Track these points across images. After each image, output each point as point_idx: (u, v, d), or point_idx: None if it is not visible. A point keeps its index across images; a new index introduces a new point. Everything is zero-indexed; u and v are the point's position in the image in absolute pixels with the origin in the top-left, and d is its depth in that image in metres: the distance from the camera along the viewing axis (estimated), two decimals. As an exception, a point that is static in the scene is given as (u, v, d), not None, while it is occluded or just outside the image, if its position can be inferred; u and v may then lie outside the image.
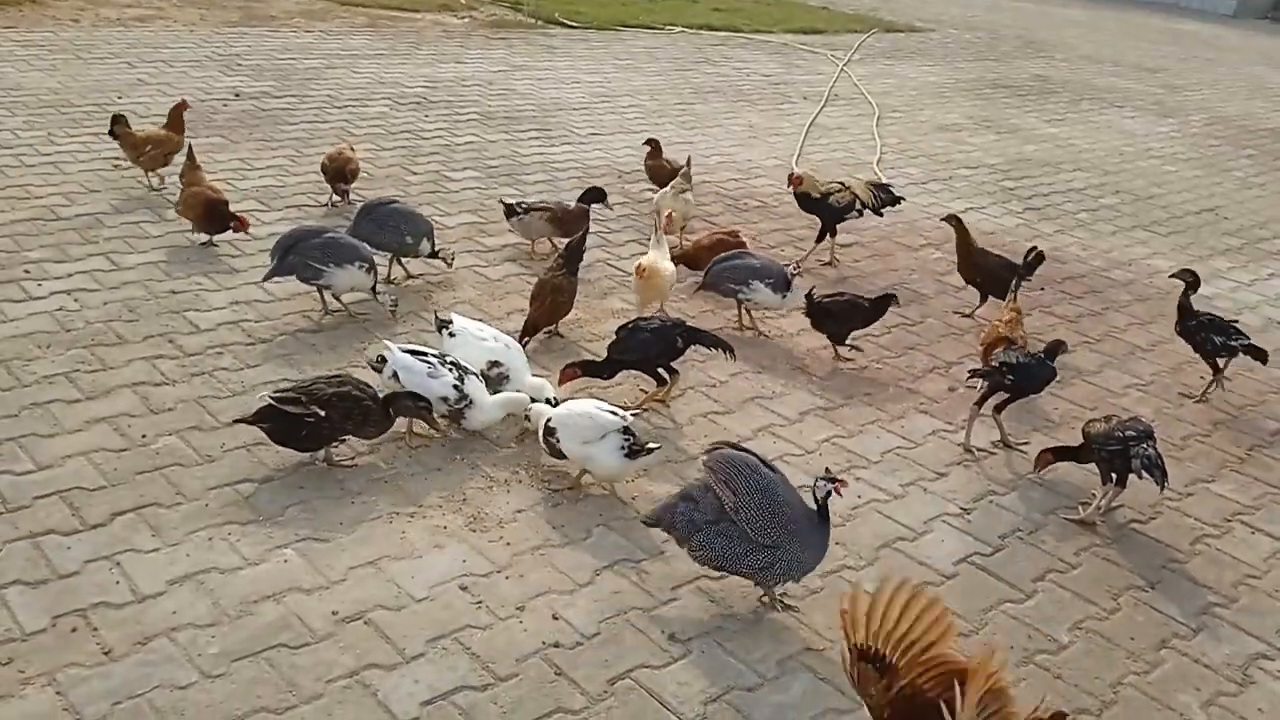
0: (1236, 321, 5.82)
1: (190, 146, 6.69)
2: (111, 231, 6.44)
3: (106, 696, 3.21)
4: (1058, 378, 5.22)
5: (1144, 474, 4.35)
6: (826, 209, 6.87)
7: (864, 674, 2.84)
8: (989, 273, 6.29)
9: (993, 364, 4.98)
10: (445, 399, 4.55)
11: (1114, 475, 4.51)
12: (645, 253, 6.00)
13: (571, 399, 4.63)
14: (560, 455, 4.38)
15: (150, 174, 7.16)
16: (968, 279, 6.43)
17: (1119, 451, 4.44)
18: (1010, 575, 4.19)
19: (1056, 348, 5.08)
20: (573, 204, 6.65)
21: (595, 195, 6.69)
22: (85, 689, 3.23)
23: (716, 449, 3.85)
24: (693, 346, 5.17)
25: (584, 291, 5.93)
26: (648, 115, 10.34)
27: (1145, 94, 14.06)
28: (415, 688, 3.36)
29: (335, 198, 7.14)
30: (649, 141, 7.93)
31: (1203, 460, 5.20)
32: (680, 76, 12.23)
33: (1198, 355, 5.80)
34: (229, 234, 6.30)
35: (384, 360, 4.65)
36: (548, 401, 4.68)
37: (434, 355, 4.65)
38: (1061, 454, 4.68)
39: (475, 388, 4.62)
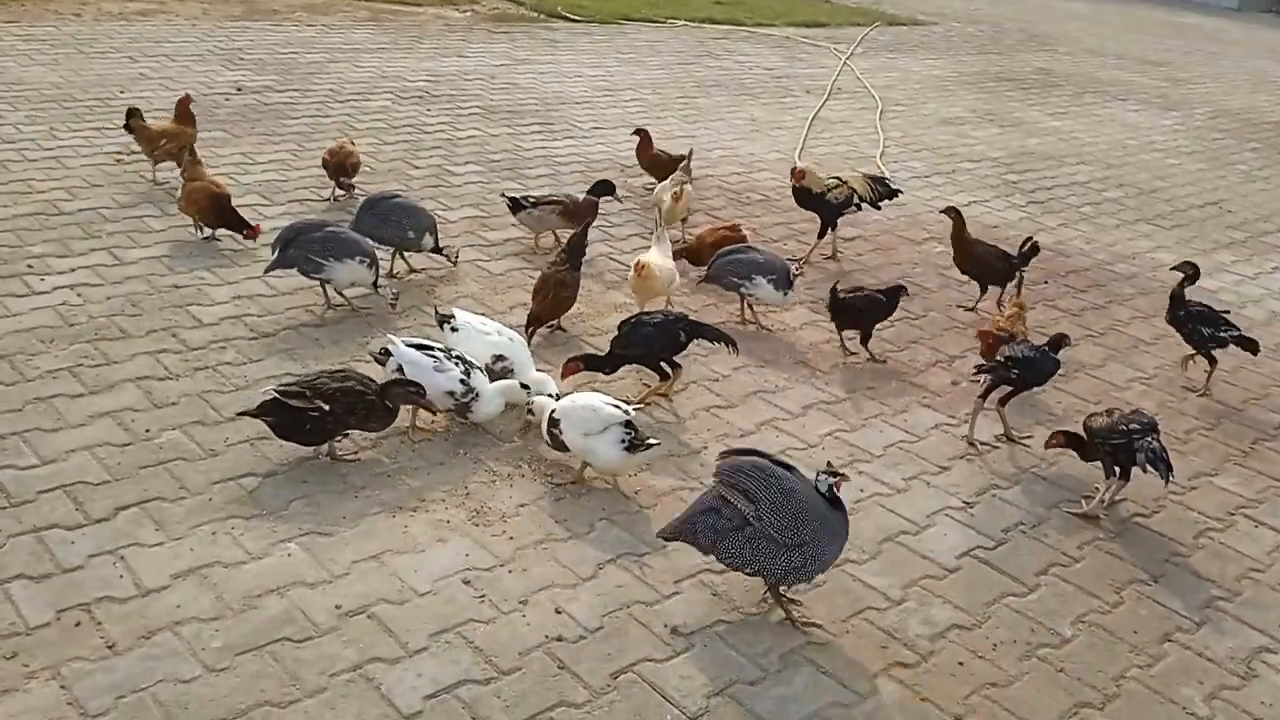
0: (1227, 313, 5.82)
1: (189, 143, 6.68)
2: (114, 226, 6.45)
3: (110, 690, 3.22)
4: (1061, 370, 5.21)
5: (1148, 468, 4.35)
6: (825, 205, 6.86)
7: None
8: (982, 263, 6.34)
9: (997, 359, 4.98)
10: (452, 393, 4.55)
11: (1117, 469, 4.51)
12: (648, 247, 6.00)
13: (574, 392, 4.63)
14: (563, 447, 4.38)
15: (157, 168, 7.16)
16: (963, 270, 6.47)
17: (1122, 445, 4.44)
18: (1013, 569, 4.19)
19: (1060, 340, 5.08)
20: (582, 196, 6.65)
21: (604, 188, 6.69)
22: (89, 683, 3.24)
23: (723, 459, 3.79)
24: (695, 340, 5.17)
25: (587, 286, 5.93)
26: (650, 109, 10.32)
27: (1149, 87, 14.02)
28: (418, 681, 3.36)
29: (339, 192, 7.14)
30: (638, 132, 7.93)
31: (1206, 454, 5.20)
32: (683, 70, 12.21)
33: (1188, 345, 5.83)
34: (225, 229, 6.29)
35: (387, 353, 4.65)
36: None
37: (439, 349, 4.65)
38: (1072, 441, 4.66)
39: (480, 381, 4.62)
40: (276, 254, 5.56)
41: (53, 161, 7.37)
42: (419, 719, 3.24)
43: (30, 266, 5.82)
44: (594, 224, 6.70)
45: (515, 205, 6.59)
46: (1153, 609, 4.06)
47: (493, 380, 4.71)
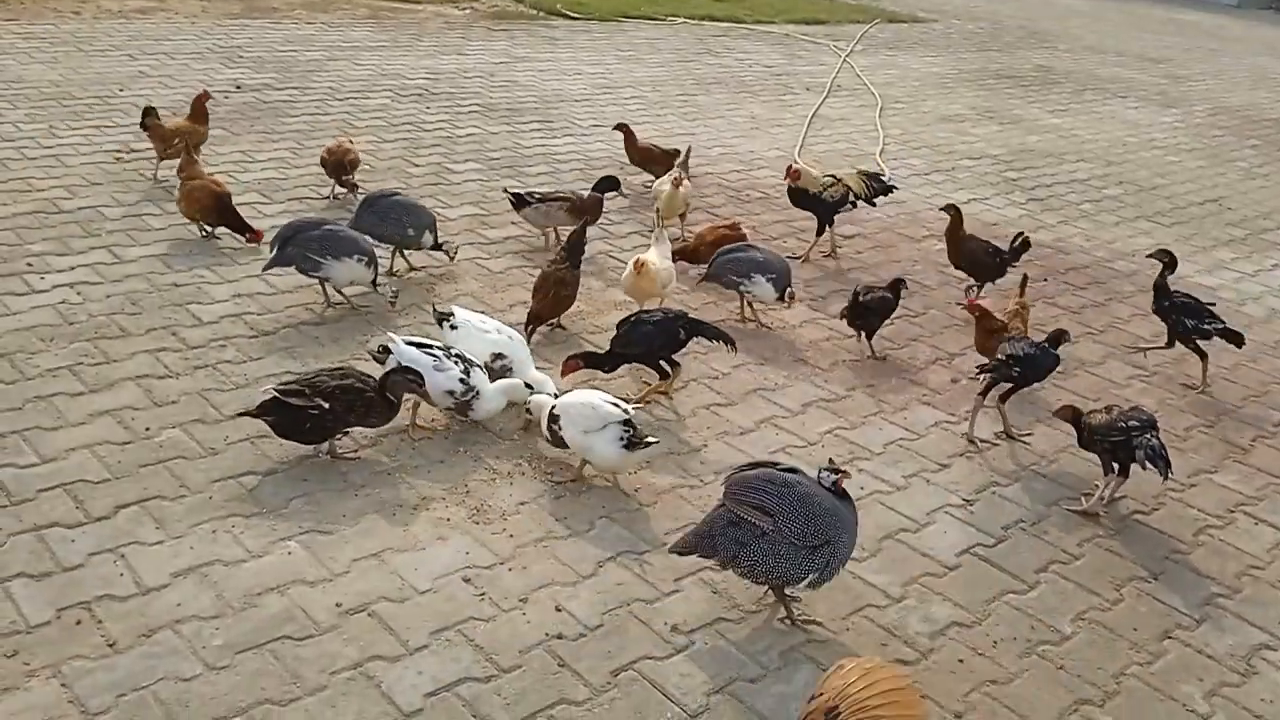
0: (1213, 305, 5.85)
1: (187, 141, 6.67)
2: (113, 224, 6.44)
3: (111, 689, 3.22)
4: (1060, 367, 5.22)
5: (1148, 465, 4.35)
6: (820, 204, 6.87)
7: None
8: (973, 257, 6.40)
9: (998, 357, 4.98)
10: (452, 392, 4.55)
11: (1116, 465, 4.51)
12: (647, 246, 6.00)
13: (574, 390, 4.63)
14: (562, 444, 4.38)
15: (160, 165, 7.15)
16: (955, 264, 6.53)
17: (1121, 442, 4.44)
18: (1013, 566, 4.19)
19: (1059, 336, 5.09)
20: (587, 192, 6.65)
21: (609, 184, 6.70)
22: (90, 681, 3.24)
23: (731, 477, 3.75)
24: (695, 339, 5.17)
25: (586, 284, 5.93)
26: (650, 107, 10.32)
27: (1149, 84, 14.02)
28: (419, 679, 3.37)
29: (339, 190, 7.13)
30: (619, 127, 7.93)
31: (1206, 451, 5.20)
32: (682, 68, 12.21)
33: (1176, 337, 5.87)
34: (225, 228, 6.28)
35: (387, 351, 4.65)
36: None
37: (439, 348, 4.64)
38: (1076, 420, 4.65)
39: (480, 379, 4.62)
40: (275, 252, 5.56)
41: (52, 159, 7.36)
42: (419, 717, 3.24)
43: (30, 265, 5.82)
44: (595, 222, 6.72)
45: (519, 201, 6.58)
46: (1153, 606, 4.06)
47: (492, 379, 4.71)
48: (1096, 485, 4.66)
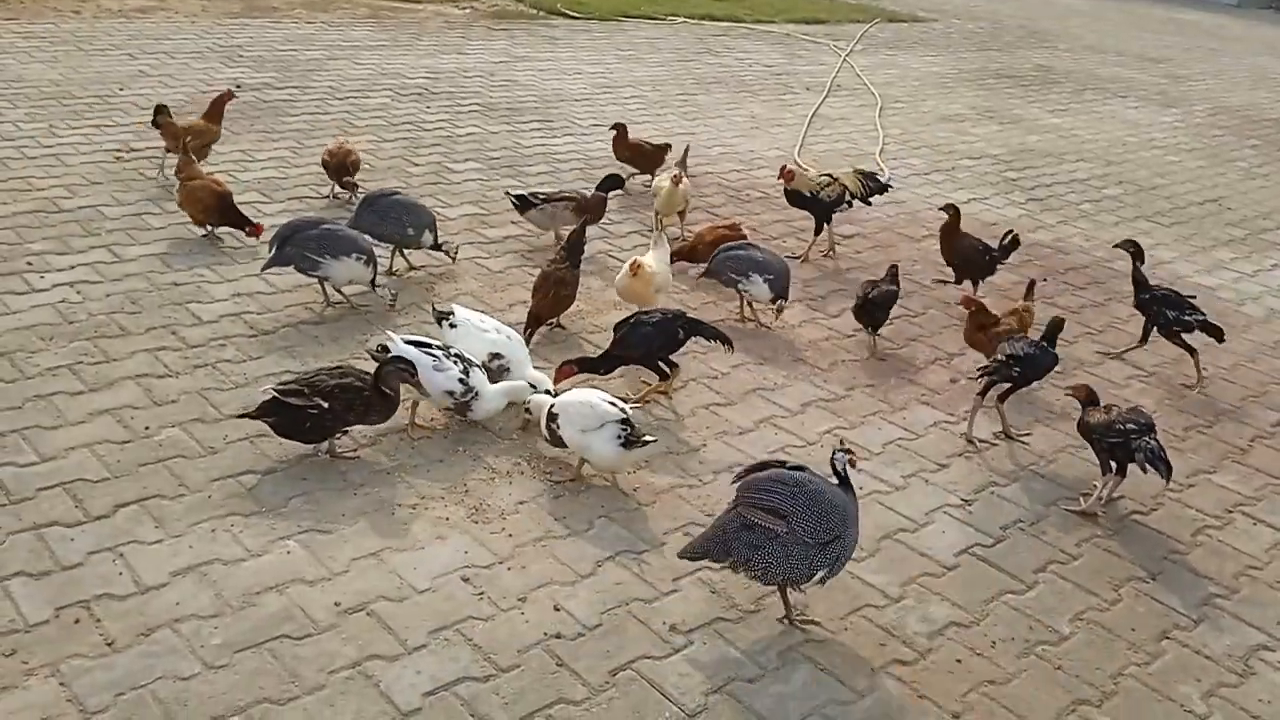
0: (1193, 298, 5.88)
1: (185, 140, 6.67)
2: (113, 223, 6.45)
3: (109, 687, 3.22)
4: (1059, 367, 5.22)
5: (1148, 467, 4.36)
6: (816, 204, 6.88)
7: None
8: (964, 254, 6.45)
9: (998, 357, 4.98)
10: (451, 393, 4.55)
11: (1114, 465, 4.52)
12: (647, 246, 5.99)
13: (572, 389, 4.63)
14: (560, 443, 4.39)
15: (166, 162, 7.16)
16: (947, 260, 6.58)
17: (1119, 444, 4.45)
18: (1011, 566, 4.19)
19: (1057, 327, 5.10)
20: (590, 192, 6.65)
21: (614, 183, 6.71)
22: (88, 680, 3.25)
23: (740, 480, 3.74)
24: (693, 338, 5.17)
25: (586, 283, 5.93)
26: (650, 106, 10.32)
27: (1148, 84, 14.01)
28: (417, 679, 3.37)
29: (339, 190, 7.13)
30: (615, 126, 7.93)
31: (1204, 451, 5.20)
32: (682, 67, 12.20)
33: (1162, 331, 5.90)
34: (228, 226, 6.29)
35: (385, 350, 4.65)
36: (547, 392, 4.69)
37: (438, 348, 4.64)
38: (1089, 401, 4.66)
39: (480, 379, 4.62)
40: (273, 251, 5.57)
41: (52, 159, 7.37)
42: (418, 716, 3.24)
43: (30, 264, 5.82)
44: (599, 221, 6.73)
45: (524, 203, 6.56)
46: (1151, 606, 4.06)
47: (488, 377, 4.71)
48: (1095, 485, 4.66)
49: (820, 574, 3.59)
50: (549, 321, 5.61)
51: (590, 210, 6.45)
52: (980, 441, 5.04)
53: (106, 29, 11.10)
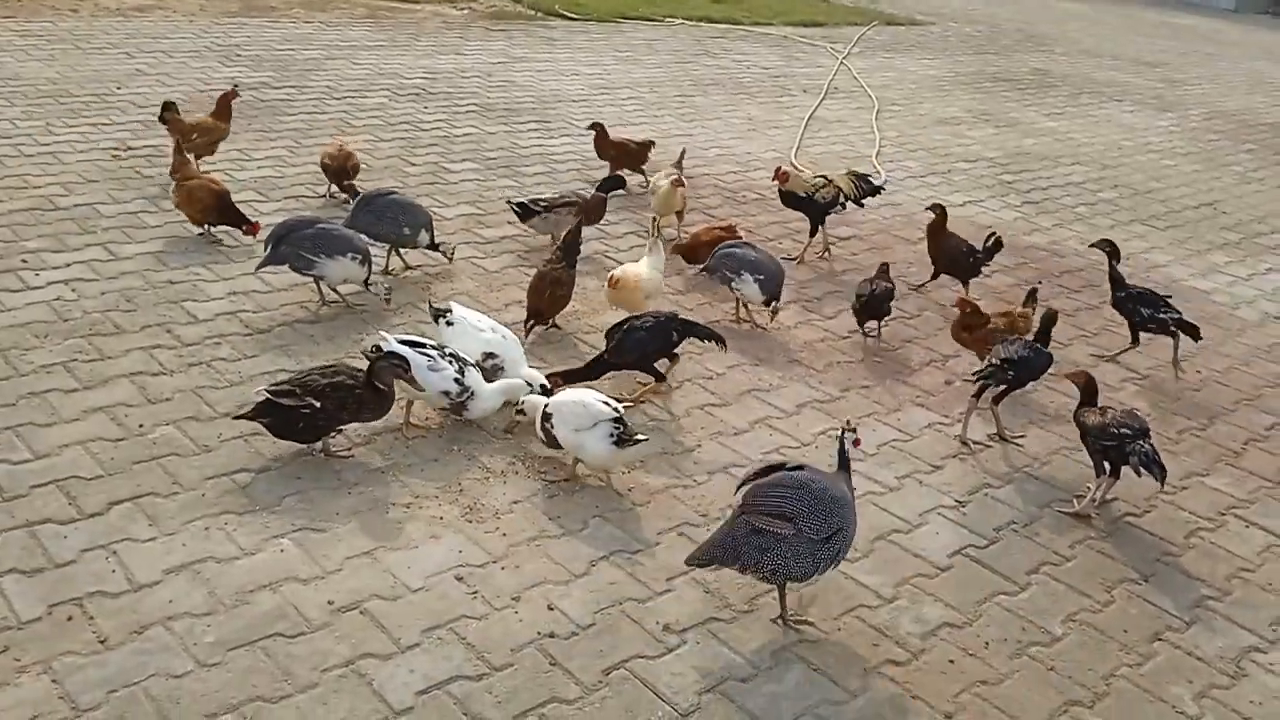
0: (1170, 297, 5.94)
1: (178, 140, 6.66)
2: (109, 221, 6.44)
3: (102, 685, 3.22)
4: (1053, 369, 5.23)
5: (1142, 471, 4.37)
6: (811, 205, 6.89)
7: None
8: (948, 255, 6.52)
9: (992, 360, 4.98)
10: (447, 393, 4.55)
11: (1107, 466, 4.53)
12: (645, 245, 5.99)
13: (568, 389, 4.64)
14: (555, 444, 4.39)
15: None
16: (934, 260, 6.63)
17: (1114, 447, 4.45)
18: (1005, 567, 4.20)
19: (1050, 320, 5.14)
20: (589, 193, 6.65)
21: (614, 183, 6.71)
22: (81, 677, 3.24)
23: (745, 486, 3.73)
24: (687, 339, 5.18)
25: (582, 284, 5.93)
26: (647, 107, 10.33)
27: (1145, 88, 14.04)
28: (411, 677, 3.37)
29: (334, 189, 7.13)
30: (593, 126, 7.93)
31: (1198, 454, 5.21)
32: (680, 69, 12.22)
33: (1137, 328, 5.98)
34: (226, 225, 6.29)
35: (379, 350, 4.64)
36: (542, 388, 4.69)
37: (433, 347, 4.64)
38: (1086, 388, 4.68)
39: (475, 378, 4.62)
40: (268, 251, 5.57)
41: (49, 157, 7.36)
42: (411, 714, 3.24)
43: (25, 261, 5.82)
44: (599, 221, 6.73)
45: (525, 211, 6.54)
46: (1143, 608, 4.07)
47: (484, 377, 4.71)
48: (1088, 488, 4.67)
49: (824, 568, 3.62)
50: (544, 321, 5.61)
51: (591, 212, 6.45)
52: (974, 443, 5.05)
53: (104, 27, 11.10)
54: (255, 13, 12.60)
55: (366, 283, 5.61)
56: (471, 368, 4.65)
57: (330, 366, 4.45)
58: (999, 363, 4.94)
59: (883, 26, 16.38)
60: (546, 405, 4.40)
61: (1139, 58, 16.36)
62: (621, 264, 6.45)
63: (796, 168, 8.05)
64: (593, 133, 7.94)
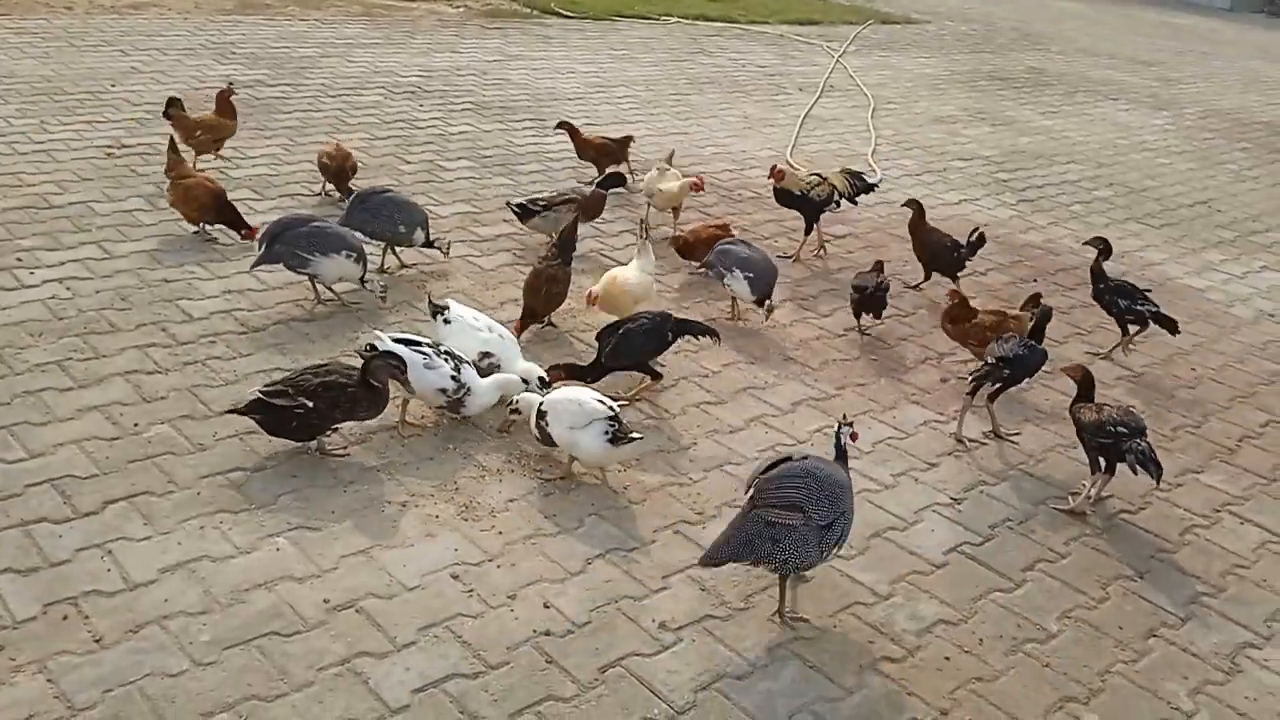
0: (1149, 291, 6.00)
1: (173, 137, 6.65)
2: (104, 220, 6.43)
3: (97, 684, 3.22)
4: (1048, 367, 5.24)
5: (1139, 469, 4.37)
6: (806, 203, 6.90)
7: None
8: (932, 250, 6.56)
9: (988, 359, 4.99)
10: (444, 390, 4.55)
11: (1103, 462, 4.53)
12: (641, 245, 5.99)
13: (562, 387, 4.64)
14: (549, 442, 4.39)
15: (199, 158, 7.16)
16: (919, 256, 6.66)
17: (1110, 444, 4.46)
18: (1000, 565, 4.21)
19: (1045, 317, 5.16)
20: (588, 190, 6.64)
21: (614, 180, 6.70)
22: (76, 676, 3.24)
23: (757, 479, 3.72)
24: (682, 337, 5.18)
25: (578, 281, 5.93)
26: (643, 105, 10.32)
27: (1140, 87, 14.06)
28: (407, 676, 3.37)
29: (329, 188, 7.12)
30: (562, 125, 7.92)
31: (1193, 451, 5.22)
32: (676, 67, 12.21)
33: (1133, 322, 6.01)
34: (223, 225, 6.27)
35: (374, 349, 4.64)
36: (540, 380, 4.70)
37: (428, 345, 4.64)
38: (1084, 381, 4.69)
39: (471, 375, 4.62)
40: (263, 249, 5.56)
41: (43, 155, 7.34)
42: (407, 713, 3.24)
43: (19, 260, 5.81)
44: (597, 218, 6.72)
45: (525, 212, 6.52)
46: (1138, 604, 4.08)
47: (479, 376, 4.71)
48: (1084, 485, 4.68)
49: (828, 552, 3.66)
50: (540, 320, 5.60)
51: (590, 209, 6.45)
52: (970, 441, 5.05)
53: (98, 25, 11.07)
54: (250, 10, 12.57)
55: (362, 281, 5.61)
56: (467, 365, 4.64)
57: (323, 365, 4.44)
58: (995, 361, 4.94)
59: (878, 25, 16.39)
60: (541, 403, 4.40)
61: (1135, 56, 16.38)
62: (618, 261, 6.46)
63: (792, 166, 8.07)
64: (563, 134, 7.94)
